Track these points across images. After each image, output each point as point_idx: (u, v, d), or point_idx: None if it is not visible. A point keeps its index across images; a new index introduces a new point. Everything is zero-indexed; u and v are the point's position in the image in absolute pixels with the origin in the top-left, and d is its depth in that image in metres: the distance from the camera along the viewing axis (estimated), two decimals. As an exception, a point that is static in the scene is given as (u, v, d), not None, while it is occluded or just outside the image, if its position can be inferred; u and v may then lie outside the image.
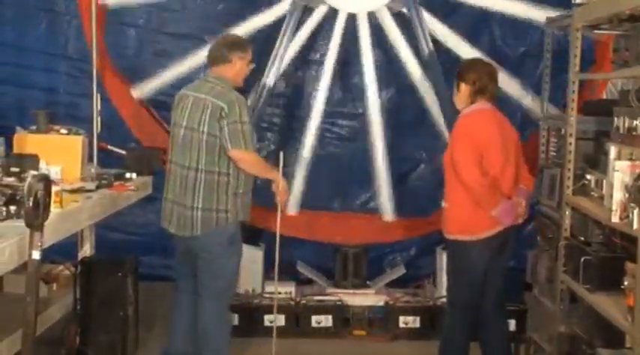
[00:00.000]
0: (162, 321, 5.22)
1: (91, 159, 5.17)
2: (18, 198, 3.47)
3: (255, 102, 5.59)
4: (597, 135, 4.25)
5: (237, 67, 4.22)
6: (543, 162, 4.83)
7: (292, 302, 5.41)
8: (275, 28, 5.66)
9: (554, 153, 4.68)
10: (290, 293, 5.50)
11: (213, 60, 4.24)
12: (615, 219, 3.39)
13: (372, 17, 5.66)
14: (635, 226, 3.18)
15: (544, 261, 4.60)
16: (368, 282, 5.71)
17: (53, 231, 3.51)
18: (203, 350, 4.21)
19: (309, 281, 5.82)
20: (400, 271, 5.89)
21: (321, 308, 5.41)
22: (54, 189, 3.44)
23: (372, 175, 5.77)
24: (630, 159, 3.41)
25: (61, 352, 4.46)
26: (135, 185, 4.86)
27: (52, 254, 4.55)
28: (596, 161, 4.03)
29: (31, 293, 3.16)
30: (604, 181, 3.72)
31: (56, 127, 4.81)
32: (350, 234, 5.88)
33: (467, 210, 4.12)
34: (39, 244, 3.13)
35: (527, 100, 5.60)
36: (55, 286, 5.01)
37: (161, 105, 5.81)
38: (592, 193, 3.94)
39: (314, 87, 5.95)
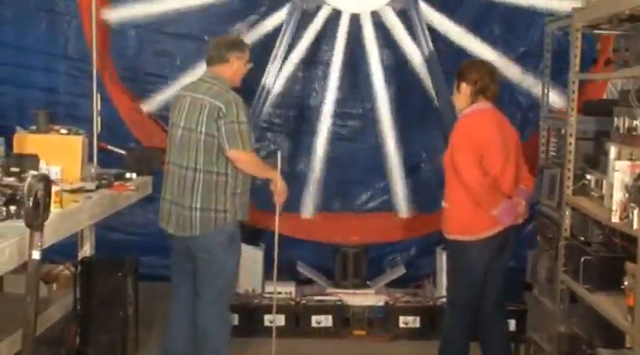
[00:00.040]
0: (162, 321, 5.19)
1: (91, 159, 5.17)
2: (18, 198, 3.46)
3: (256, 102, 5.60)
4: (597, 135, 4.25)
5: (235, 66, 4.22)
6: (543, 162, 4.83)
7: (292, 302, 5.41)
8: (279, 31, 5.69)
9: (554, 153, 4.68)
10: (290, 293, 5.50)
11: (210, 59, 4.24)
12: (615, 219, 3.39)
13: (375, 16, 5.66)
14: (635, 226, 3.18)
15: (544, 261, 4.60)
16: (368, 282, 5.72)
17: (53, 231, 3.51)
18: (203, 351, 4.20)
19: (309, 281, 5.82)
20: (400, 271, 5.90)
21: (321, 308, 5.41)
22: (54, 189, 3.44)
23: (385, 173, 5.76)
24: (630, 159, 3.41)
25: (61, 352, 4.46)
26: (135, 185, 4.86)
27: (52, 254, 4.55)
28: (596, 161, 4.03)
29: (31, 293, 3.16)
30: (604, 181, 3.72)
31: (56, 127, 4.81)
32: (367, 234, 5.88)
33: (467, 210, 4.12)
34: (39, 244, 3.13)
35: (528, 82, 5.61)
36: (55, 286, 5.01)
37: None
38: (592, 193, 3.95)
39: (322, 88, 5.93)
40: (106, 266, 4.68)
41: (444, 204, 4.26)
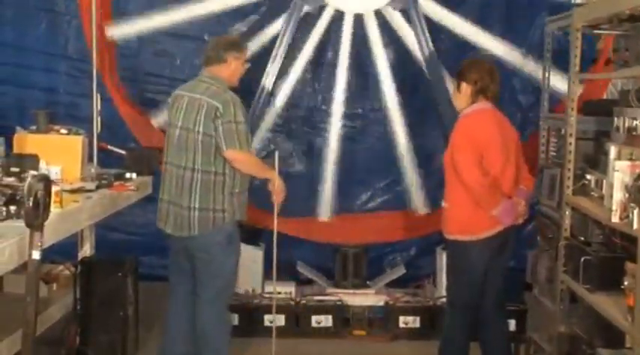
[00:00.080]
0: (162, 321, 5.18)
1: (91, 159, 5.17)
2: (18, 198, 3.46)
3: (256, 102, 5.60)
4: (597, 135, 4.25)
5: (233, 66, 4.22)
6: (543, 162, 4.83)
7: (292, 302, 5.41)
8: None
9: (554, 153, 4.68)
10: (290, 293, 5.50)
11: (208, 60, 4.24)
12: (615, 219, 3.39)
13: (379, 15, 5.66)
14: (635, 226, 3.18)
15: (544, 261, 4.61)
16: (368, 282, 5.72)
17: (53, 231, 3.50)
18: (203, 351, 4.20)
19: (309, 281, 5.82)
20: (400, 271, 5.90)
21: (321, 308, 5.41)
22: (54, 189, 3.44)
23: (399, 172, 5.74)
24: (630, 159, 3.41)
25: (61, 352, 4.46)
26: (135, 185, 4.86)
27: (52, 254, 4.55)
28: (596, 161, 4.03)
29: (31, 293, 3.16)
30: (604, 181, 3.72)
31: (56, 127, 4.81)
32: (382, 233, 5.90)
33: (467, 210, 4.12)
34: (39, 244, 3.13)
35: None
36: (55, 286, 5.00)
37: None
38: (592, 193, 3.95)
39: (329, 90, 5.92)
40: (106, 266, 4.68)
41: (444, 204, 4.26)
